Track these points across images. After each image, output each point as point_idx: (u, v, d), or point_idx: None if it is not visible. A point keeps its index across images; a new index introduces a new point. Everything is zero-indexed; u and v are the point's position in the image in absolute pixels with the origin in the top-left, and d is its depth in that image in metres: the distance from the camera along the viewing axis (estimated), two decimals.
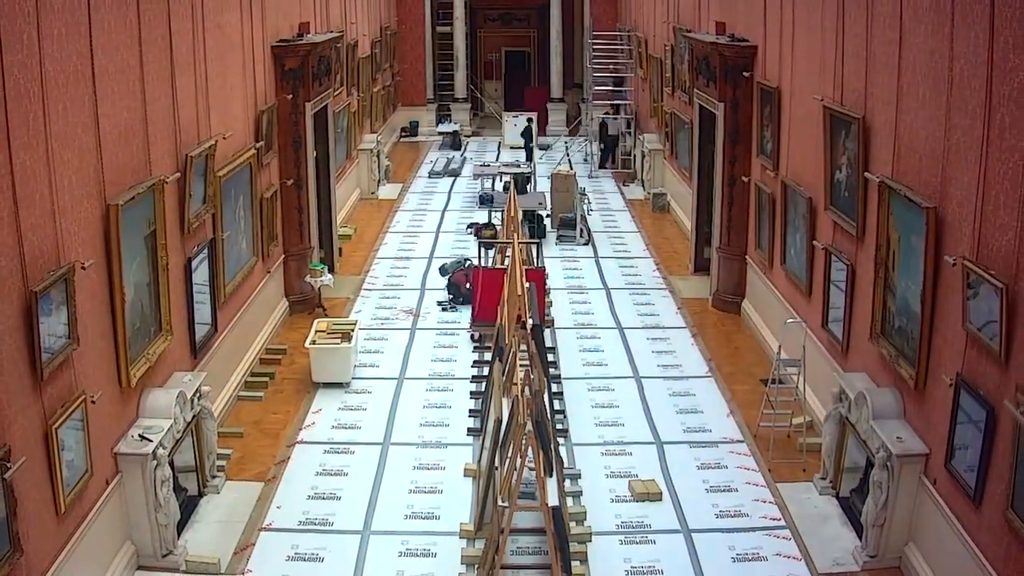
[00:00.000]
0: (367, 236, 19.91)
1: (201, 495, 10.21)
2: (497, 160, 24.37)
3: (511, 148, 28.13)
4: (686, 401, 12.50)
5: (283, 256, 15.19)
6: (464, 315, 15.19)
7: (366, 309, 15.79)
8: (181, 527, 9.45)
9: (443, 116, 32.00)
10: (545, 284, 15.30)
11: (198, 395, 10.00)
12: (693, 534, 9.63)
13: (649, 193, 22.77)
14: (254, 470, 10.82)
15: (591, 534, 9.53)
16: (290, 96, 14.86)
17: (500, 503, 8.85)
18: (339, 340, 12.86)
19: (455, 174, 25.71)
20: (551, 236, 19.69)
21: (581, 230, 19.47)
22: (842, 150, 10.84)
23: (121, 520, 8.82)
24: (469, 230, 19.91)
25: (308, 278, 15.29)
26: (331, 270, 16.53)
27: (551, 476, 9.27)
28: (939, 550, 8.42)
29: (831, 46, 11.24)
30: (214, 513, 9.99)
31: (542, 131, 30.12)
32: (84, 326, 8.15)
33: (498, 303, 12.85)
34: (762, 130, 14.22)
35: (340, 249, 17.86)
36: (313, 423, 11.90)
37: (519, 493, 8.44)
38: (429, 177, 25.61)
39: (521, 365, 10.25)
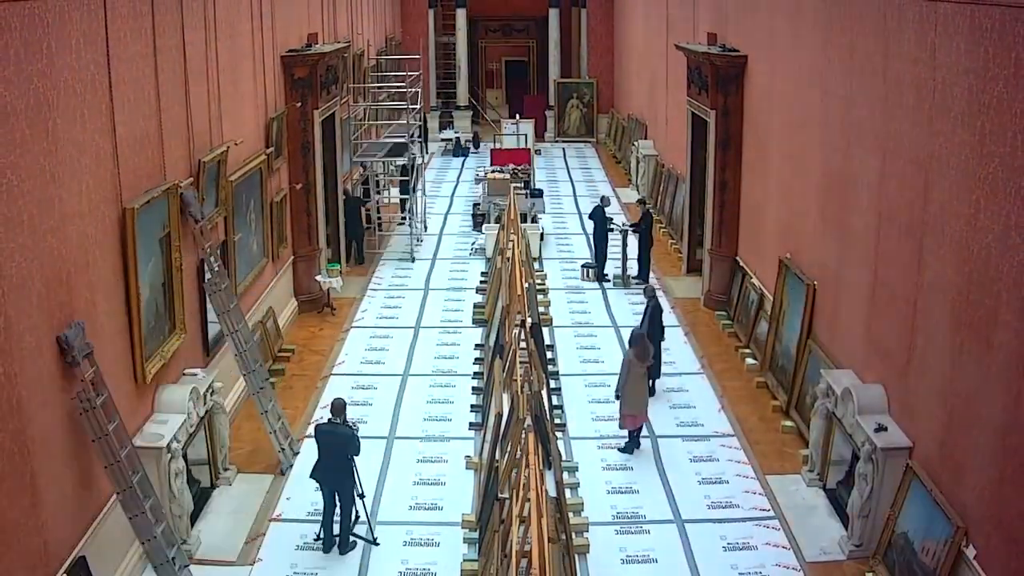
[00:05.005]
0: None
1: (213, 487, 10.21)
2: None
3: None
4: (679, 397, 12.50)
5: (292, 257, 15.19)
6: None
7: (371, 308, 15.79)
8: (194, 518, 9.45)
9: (446, 123, 31.99)
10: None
11: (210, 391, 10.00)
12: (686, 524, 9.63)
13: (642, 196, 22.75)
14: (265, 463, 10.81)
15: (588, 524, 9.53)
16: (299, 104, 14.87)
17: (500, 495, 8.84)
18: None
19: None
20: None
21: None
22: None
23: None
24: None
25: (318, 277, 15.32)
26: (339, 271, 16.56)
27: (549, 469, 9.27)
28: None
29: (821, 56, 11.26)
30: (226, 504, 9.98)
31: (540, 136, 30.13)
32: (101, 325, 8.15)
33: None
34: None
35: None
36: (321, 418, 11.88)
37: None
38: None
39: (521, 362, 10.27)
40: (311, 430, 10.11)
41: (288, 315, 14.83)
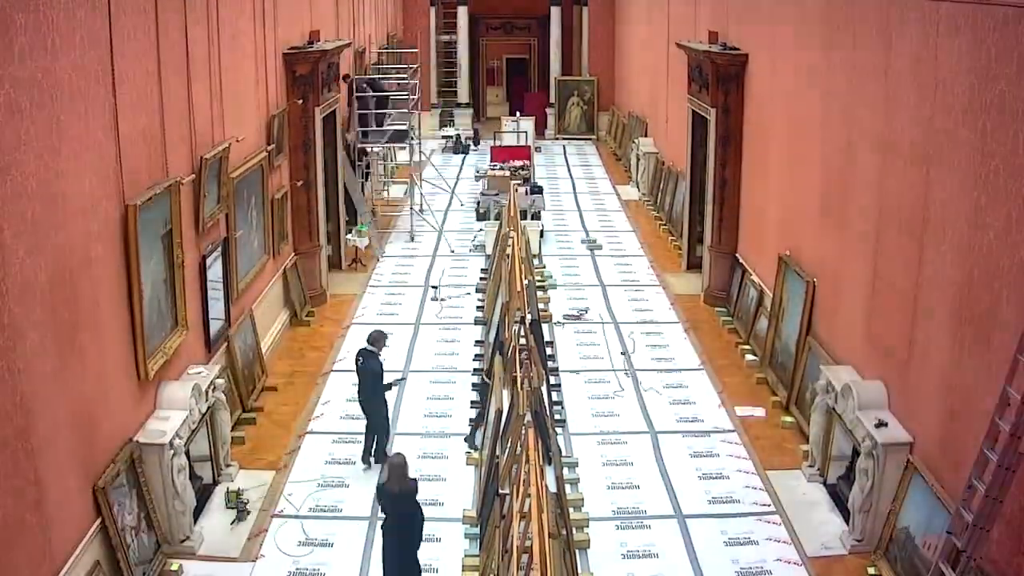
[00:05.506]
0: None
1: (216, 483, 10.21)
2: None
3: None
4: (679, 393, 12.50)
5: (293, 254, 15.19)
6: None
7: (372, 305, 15.79)
8: (197, 514, 9.45)
9: (446, 121, 31.96)
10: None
11: (212, 387, 9.99)
12: (687, 519, 9.64)
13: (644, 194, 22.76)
14: (266, 459, 10.82)
15: (588, 520, 9.53)
16: (300, 101, 14.86)
17: (501, 491, 8.84)
18: None
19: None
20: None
21: None
22: None
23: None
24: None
25: (348, 236, 17.24)
26: (339, 268, 17.13)
27: (550, 464, 9.27)
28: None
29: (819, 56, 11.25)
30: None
31: (540, 134, 30.12)
32: (104, 322, 8.15)
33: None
34: None
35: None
36: (322, 414, 11.90)
37: None
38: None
39: (521, 359, 10.26)
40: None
41: (289, 312, 14.81)
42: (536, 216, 19.11)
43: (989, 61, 7.33)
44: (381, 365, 10.62)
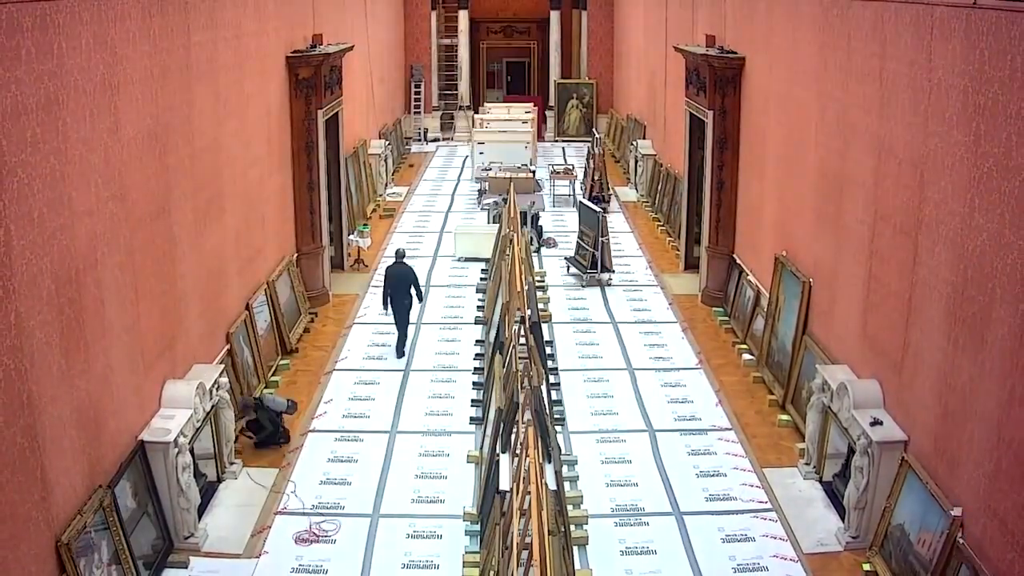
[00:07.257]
0: (375, 236, 19.86)
1: (219, 481, 10.21)
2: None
3: None
4: (677, 391, 12.51)
5: (296, 255, 15.19)
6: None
7: (374, 305, 15.78)
8: (201, 511, 9.46)
9: (447, 123, 31.95)
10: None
11: (216, 386, 10.00)
12: (684, 516, 9.65)
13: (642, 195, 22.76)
14: (269, 457, 10.82)
15: (587, 517, 9.54)
16: (303, 103, 14.87)
17: (501, 488, 8.85)
18: None
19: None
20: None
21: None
22: None
23: None
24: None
25: (350, 237, 17.38)
26: (341, 268, 17.15)
27: (549, 462, 9.28)
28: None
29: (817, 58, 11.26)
30: (232, 498, 9.99)
31: (540, 136, 30.08)
32: (110, 322, 8.16)
33: None
34: None
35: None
36: (325, 412, 11.91)
37: None
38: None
39: (520, 358, 10.28)
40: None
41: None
42: (536, 219, 19.08)
43: (982, 64, 7.34)
44: (412, 273, 13.63)
